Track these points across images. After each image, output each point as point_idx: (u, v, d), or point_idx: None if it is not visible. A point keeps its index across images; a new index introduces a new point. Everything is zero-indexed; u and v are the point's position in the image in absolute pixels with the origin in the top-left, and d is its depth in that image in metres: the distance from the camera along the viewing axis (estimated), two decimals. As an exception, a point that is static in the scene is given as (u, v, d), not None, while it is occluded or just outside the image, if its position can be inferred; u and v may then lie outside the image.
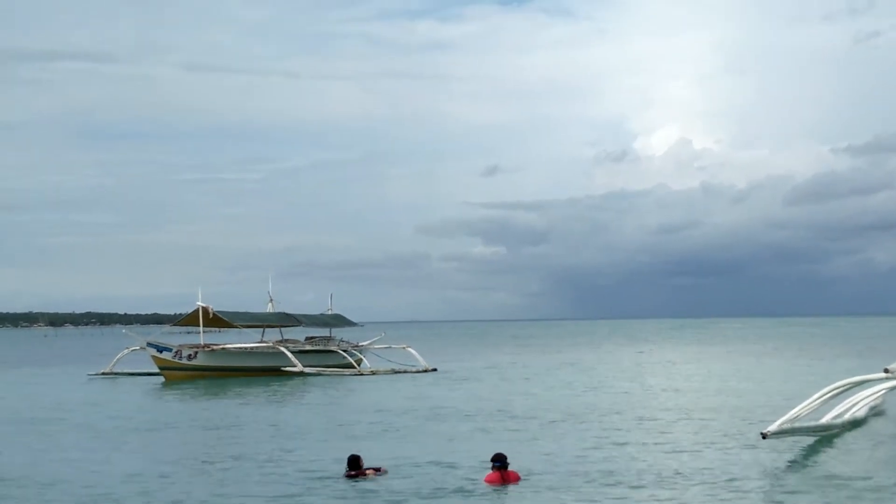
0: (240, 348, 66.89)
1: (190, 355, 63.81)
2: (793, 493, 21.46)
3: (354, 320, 78.42)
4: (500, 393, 49.44)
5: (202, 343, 65.40)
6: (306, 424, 36.18)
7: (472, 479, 23.20)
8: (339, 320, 75.56)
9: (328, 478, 23.99)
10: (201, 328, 65.78)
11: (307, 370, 63.68)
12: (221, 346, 66.09)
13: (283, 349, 65.59)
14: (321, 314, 75.01)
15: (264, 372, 63.77)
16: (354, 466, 23.92)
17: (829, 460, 26.06)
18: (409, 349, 72.60)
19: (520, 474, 23.04)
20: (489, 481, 22.47)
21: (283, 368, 63.81)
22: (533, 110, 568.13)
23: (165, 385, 60.20)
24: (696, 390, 49.28)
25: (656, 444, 29.49)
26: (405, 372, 66.18)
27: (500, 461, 22.61)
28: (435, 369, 67.51)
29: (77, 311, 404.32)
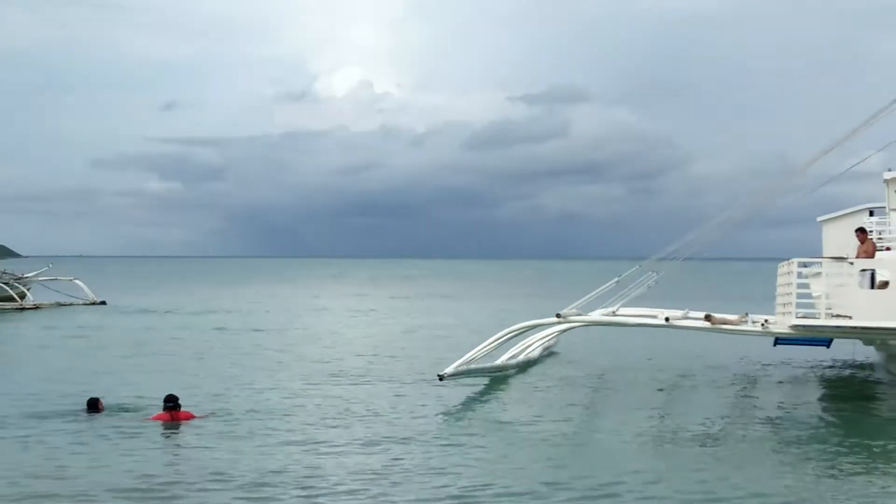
0: None
1: None
2: (467, 434, 21.26)
3: (22, 254, 74.17)
4: (170, 327, 47.56)
5: None
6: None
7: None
8: (0, 252, 71.16)
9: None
10: None
11: (-42, 305, 59.41)
12: None
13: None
14: (-22, 247, 70.40)
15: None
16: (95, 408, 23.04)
17: (502, 401, 26.30)
18: (77, 281, 69.30)
19: (193, 413, 22.37)
20: (157, 419, 21.87)
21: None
22: (213, 46, 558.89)
23: None
24: (374, 332, 49.21)
25: (335, 383, 28.98)
26: (71, 305, 62.95)
27: (171, 402, 22.11)
28: (104, 302, 64.74)
29: None
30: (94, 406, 23.12)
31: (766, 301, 28.62)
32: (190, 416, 22.09)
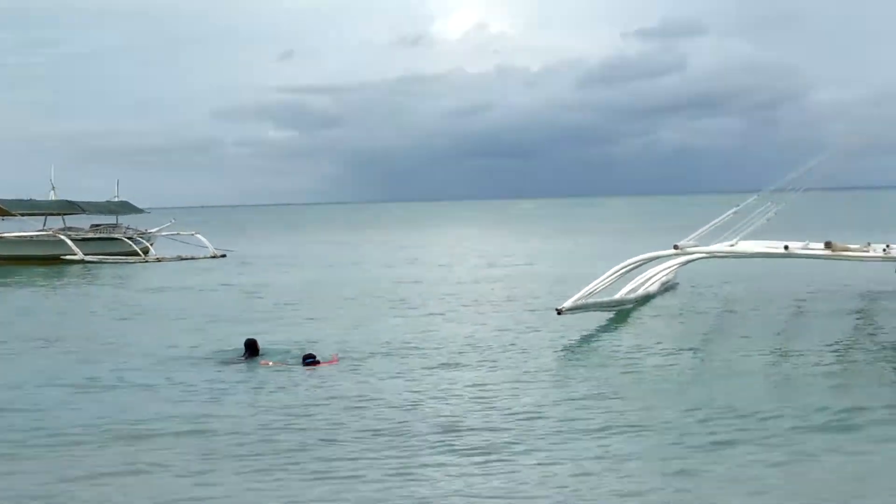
0: (18, 237, 63.92)
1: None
2: (587, 366, 21.49)
3: (143, 207, 75.78)
4: (290, 278, 48.38)
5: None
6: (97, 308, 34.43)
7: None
8: (125, 207, 72.93)
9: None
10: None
11: (88, 258, 61.16)
12: (-2, 235, 63.12)
13: (62, 237, 62.90)
14: (106, 201, 72.16)
15: (44, 260, 60.95)
16: (253, 351, 23.12)
17: (622, 334, 26.42)
18: (198, 235, 70.63)
19: (336, 356, 22.83)
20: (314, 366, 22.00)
21: (62, 256, 61.20)
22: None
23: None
24: (497, 270, 49.55)
25: (460, 321, 29.42)
26: (192, 258, 64.35)
27: (310, 358, 22.28)
28: (224, 255, 65.91)
29: None
30: (252, 348, 23.19)
31: (891, 229, 28.06)
32: (334, 361, 22.41)
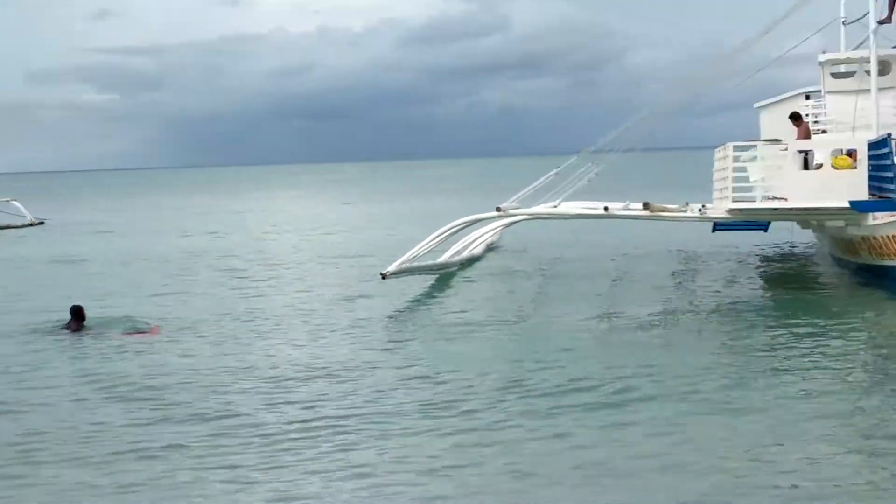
0: None
1: None
2: (412, 329, 21.46)
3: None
4: (110, 246, 47.09)
5: None
6: None
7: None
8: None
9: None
10: None
11: None
12: None
13: None
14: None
15: None
16: (79, 318, 22.12)
17: (448, 297, 26.58)
18: (14, 202, 68.04)
19: (157, 326, 22.30)
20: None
21: None
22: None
23: None
24: (320, 235, 49.23)
25: (283, 288, 29.17)
26: (8, 227, 62.02)
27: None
28: (42, 222, 63.82)
29: None
30: (77, 315, 22.21)
31: (708, 189, 28.84)
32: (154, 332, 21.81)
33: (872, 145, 24.36)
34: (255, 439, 13.40)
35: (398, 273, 26.70)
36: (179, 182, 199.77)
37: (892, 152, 23.72)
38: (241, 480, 11.84)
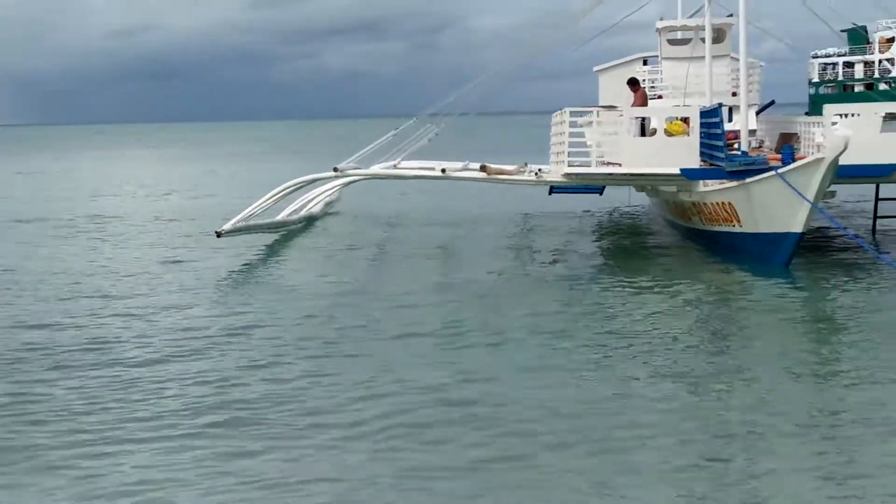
0: None
1: None
2: (250, 289, 21.20)
3: None
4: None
5: None
6: None
7: None
8: None
9: None
10: None
11: None
12: None
13: None
14: None
15: None
16: None
17: (285, 256, 26.33)
18: None
19: None
20: None
21: None
22: None
23: None
24: (157, 196, 48.08)
25: (118, 249, 28.30)
26: None
27: None
28: None
29: None
30: None
31: (545, 153, 29.11)
32: None
33: (704, 114, 24.89)
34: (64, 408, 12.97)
35: (234, 231, 26.35)
36: (8, 141, 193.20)
37: (722, 120, 24.30)
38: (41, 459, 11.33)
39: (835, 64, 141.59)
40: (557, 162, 26.74)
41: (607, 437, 11.30)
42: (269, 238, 28.35)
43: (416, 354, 15.09)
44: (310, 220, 32.16)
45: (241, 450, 11.14)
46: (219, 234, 25.66)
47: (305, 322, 17.59)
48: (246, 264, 24.65)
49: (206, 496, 9.93)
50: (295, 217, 30.92)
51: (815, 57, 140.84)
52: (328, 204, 35.14)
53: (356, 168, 28.71)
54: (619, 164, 25.38)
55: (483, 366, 14.43)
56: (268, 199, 28.50)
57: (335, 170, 28.20)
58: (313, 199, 33.18)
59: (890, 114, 24.71)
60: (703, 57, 29.17)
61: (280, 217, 29.78)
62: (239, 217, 26.93)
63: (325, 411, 12.42)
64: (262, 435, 11.59)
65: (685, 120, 25.39)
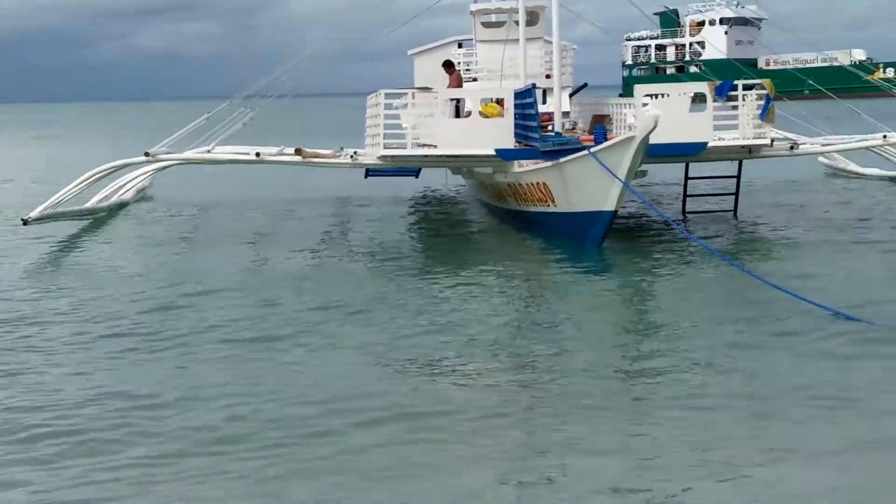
0: None
1: None
2: (58, 278, 20.48)
3: None
4: None
5: None
6: None
7: None
8: None
9: None
10: None
11: None
12: None
13: None
14: None
15: None
16: None
17: (96, 243, 25.65)
18: None
19: None
20: None
21: None
22: None
23: None
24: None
25: None
26: None
27: None
28: None
29: None
30: None
31: (361, 135, 29.03)
32: None
33: (518, 95, 25.18)
34: None
35: (41, 219, 25.50)
36: None
37: (535, 102, 24.65)
38: None
39: (647, 47, 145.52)
40: (373, 144, 26.68)
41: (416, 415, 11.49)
42: (79, 226, 27.52)
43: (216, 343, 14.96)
44: (121, 207, 31.31)
45: None
46: (25, 222, 24.80)
47: (100, 312, 17.16)
48: (52, 253, 23.91)
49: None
50: (105, 204, 30.07)
51: (629, 40, 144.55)
52: (140, 190, 34.25)
53: (168, 153, 28.05)
54: (435, 146, 25.49)
55: (291, 349, 14.54)
56: (77, 185, 27.59)
57: (147, 154, 27.51)
58: (125, 184, 32.26)
59: (698, 94, 25.48)
60: (517, 40, 29.50)
61: (90, 204, 28.91)
62: (47, 204, 26.04)
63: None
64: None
65: (500, 101, 25.62)
